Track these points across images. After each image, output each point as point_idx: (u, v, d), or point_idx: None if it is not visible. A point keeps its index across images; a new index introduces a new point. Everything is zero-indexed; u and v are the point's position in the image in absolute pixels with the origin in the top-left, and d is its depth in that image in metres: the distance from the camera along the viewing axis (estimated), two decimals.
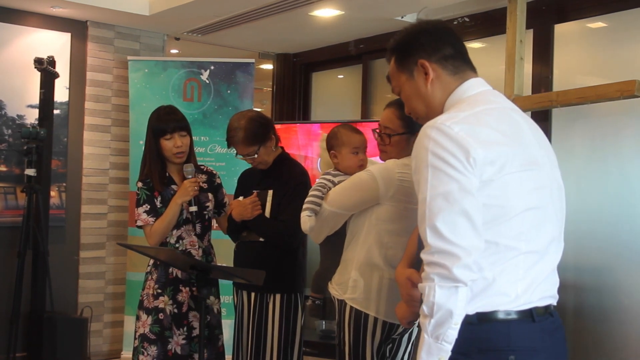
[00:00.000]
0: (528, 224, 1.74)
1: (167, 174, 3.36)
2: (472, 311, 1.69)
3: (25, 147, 4.66)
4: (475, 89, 1.88)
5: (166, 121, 3.29)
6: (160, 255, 3.22)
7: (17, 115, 5.12)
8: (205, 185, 3.40)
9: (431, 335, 1.62)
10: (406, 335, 2.77)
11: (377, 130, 2.79)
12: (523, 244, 1.73)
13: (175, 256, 3.15)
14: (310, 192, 2.82)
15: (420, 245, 2.21)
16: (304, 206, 2.80)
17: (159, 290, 3.27)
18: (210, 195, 3.40)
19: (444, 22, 2.01)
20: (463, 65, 1.91)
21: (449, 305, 1.60)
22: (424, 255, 1.65)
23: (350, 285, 2.70)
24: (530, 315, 1.73)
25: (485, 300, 1.70)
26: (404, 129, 2.71)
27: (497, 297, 1.71)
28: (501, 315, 1.71)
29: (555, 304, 1.82)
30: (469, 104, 1.80)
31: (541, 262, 1.77)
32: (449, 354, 1.63)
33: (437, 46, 1.89)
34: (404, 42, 1.96)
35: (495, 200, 1.68)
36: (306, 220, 2.78)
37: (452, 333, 1.62)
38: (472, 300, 1.66)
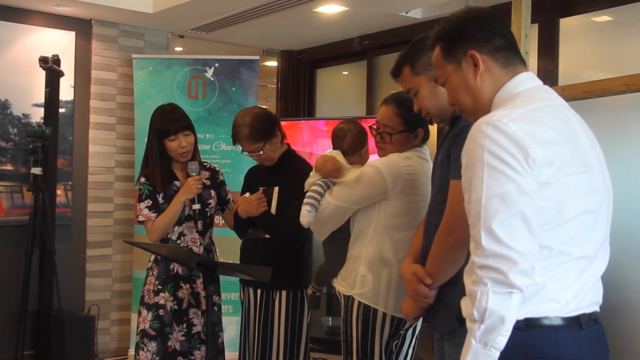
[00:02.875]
0: (581, 228, 1.67)
1: (171, 171, 3.36)
2: (520, 316, 1.62)
3: (31, 146, 4.67)
4: (527, 84, 1.78)
5: (169, 122, 3.27)
6: (167, 251, 3.23)
7: (23, 114, 5.13)
8: (208, 182, 3.40)
9: (479, 341, 1.56)
10: (410, 330, 2.78)
11: (375, 127, 2.79)
12: (576, 249, 1.66)
13: (182, 253, 3.15)
14: (312, 188, 2.83)
15: (427, 241, 2.23)
16: (305, 200, 2.81)
17: (160, 287, 3.28)
18: (212, 192, 3.41)
19: (494, 10, 1.89)
20: (514, 58, 1.81)
21: (501, 311, 1.54)
22: (476, 258, 1.57)
23: (358, 280, 2.70)
24: (577, 322, 1.67)
25: (534, 306, 1.64)
26: (404, 127, 2.71)
27: (547, 303, 1.65)
28: (550, 322, 1.65)
29: (598, 310, 1.76)
30: (524, 101, 1.71)
31: (590, 267, 1.71)
32: None
33: (488, 36, 1.79)
34: (453, 30, 1.84)
35: (551, 203, 1.61)
36: (305, 214, 2.79)
37: (501, 340, 1.56)
38: (522, 305, 1.59)
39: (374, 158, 2.90)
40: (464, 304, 1.63)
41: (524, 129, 1.60)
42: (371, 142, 2.95)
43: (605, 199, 1.76)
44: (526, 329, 1.64)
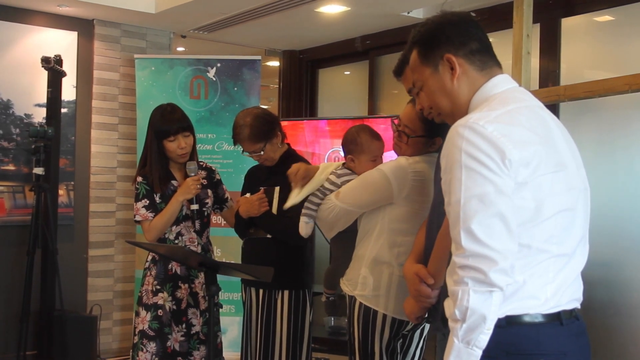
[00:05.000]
0: (559, 226, 1.70)
1: (169, 171, 3.37)
2: (501, 314, 1.64)
3: (33, 146, 4.68)
4: (502, 86, 1.81)
5: (169, 122, 3.27)
6: (169, 251, 3.23)
7: (25, 114, 5.14)
8: (204, 182, 3.40)
9: (462, 340, 1.58)
10: (418, 331, 2.77)
11: (396, 122, 2.78)
12: (554, 246, 1.69)
13: (184, 253, 3.15)
14: (310, 197, 2.83)
15: (429, 241, 2.23)
16: (302, 211, 2.82)
17: (158, 287, 3.28)
18: (209, 192, 3.41)
19: (469, 14, 1.93)
20: (490, 61, 1.84)
21: (482, 310, 1.56)
22: (457, 259, 1.60)
23: (360, 282, 2.70)
24: (558, 319, 1.70)
25: (515, 304, 1.67)
26: (424, 132, 2.65)
27: (527, 301, 1.68)
28: (530, 319, 1.68)
29: (579, 307, 1.79)
30: (500, 102, 1.74)
31: (569, 264, 1.74)
32: (479, 359, 1.59)
33: (463, 40, 1.82)
34: (429, 34, 1.87)
35: (529, 203, 1.64)
36: (303, 226, 2.82)
37: (483, 338, 1.58)
38: (503, 304, 1.61)
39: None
40: (447, 304, 1.64)
41: (501, 130, 1.63)
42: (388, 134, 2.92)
43: (582, 197, 1.79)
44: (507, 326, 1.67)
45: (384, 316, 2.65)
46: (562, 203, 1.70)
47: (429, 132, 2.65)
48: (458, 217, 1.61)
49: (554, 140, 1.75)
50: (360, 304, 2.69)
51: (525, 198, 1.64)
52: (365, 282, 2.69)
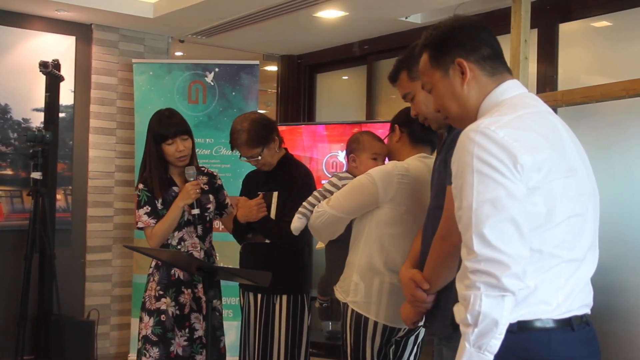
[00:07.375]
0: (571, 231, 1.70)
1: (169, 176, 3.37)
2: (513, 319, 1.64)
3: (31, 151, 4.68)
4: (512, 92, 1.81)
5: (167, 126, 3.28)
6: (167, 256, 3.23)
7: (23, 119, 5.14)
8: (206, 187, 3.41)
9: (473, 345, 1.58)
10: (412, 337, 2.77)
11: None
12: (565, 252, 1.69)
13: (182, 258, 3.15)
14: (309, 198, 2.88)
15: (425, 246, 2.23)
16: (299, 209, 2.88)
17: (161, 292, 3.28)
18: (211, 197, 3.42)
19: (480, 19, 1.92)
20: (500, 67, 1.84)
21: (494, 314, 1.56)
22: (468, 263, 1.59)
23: (352, 288, 2.71)
24: (569, 324, 1.70)
25: (526, 309, 1.67)
26: (388, 131, 2.84)
27: (539, 306, 1.68)
28: (542, 324, 1.68)
29: (589, 312, 1.79)
30: (510, 108, 1.74)
31: (580, 270, 1.74)
32: None
33: (475, 45, 1.82)
34: (441, 37, 1.87)
35: (540, 208, 1.64)
36: (295, 220, 2.88)
37: (495, 343, 1.57)
38: (514, 309, 1.61)
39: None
40: (457, 309, 1.64)
41: (512, 135, 1.63)
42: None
43: (591, 202, 1.80)
44: (519, 332, 1.66)
45: (375, 323, 2.65)
46: (573, 208, 1.70)
47: (391, 128, 2.78)
48: (470, 221, 1.60)
49: (564, 145, 1.75)
50: (352, 310, 2.70)
51: (537, 203, 1.63)
52: (356, 288, 2.70)
